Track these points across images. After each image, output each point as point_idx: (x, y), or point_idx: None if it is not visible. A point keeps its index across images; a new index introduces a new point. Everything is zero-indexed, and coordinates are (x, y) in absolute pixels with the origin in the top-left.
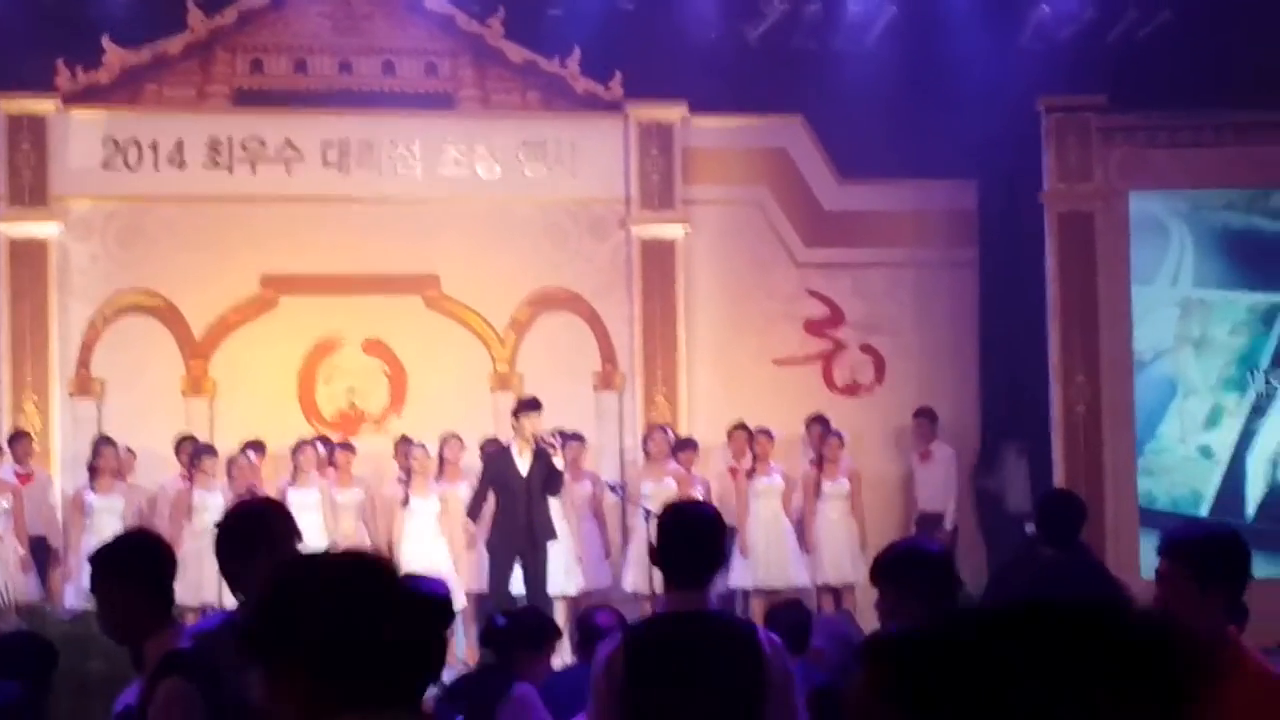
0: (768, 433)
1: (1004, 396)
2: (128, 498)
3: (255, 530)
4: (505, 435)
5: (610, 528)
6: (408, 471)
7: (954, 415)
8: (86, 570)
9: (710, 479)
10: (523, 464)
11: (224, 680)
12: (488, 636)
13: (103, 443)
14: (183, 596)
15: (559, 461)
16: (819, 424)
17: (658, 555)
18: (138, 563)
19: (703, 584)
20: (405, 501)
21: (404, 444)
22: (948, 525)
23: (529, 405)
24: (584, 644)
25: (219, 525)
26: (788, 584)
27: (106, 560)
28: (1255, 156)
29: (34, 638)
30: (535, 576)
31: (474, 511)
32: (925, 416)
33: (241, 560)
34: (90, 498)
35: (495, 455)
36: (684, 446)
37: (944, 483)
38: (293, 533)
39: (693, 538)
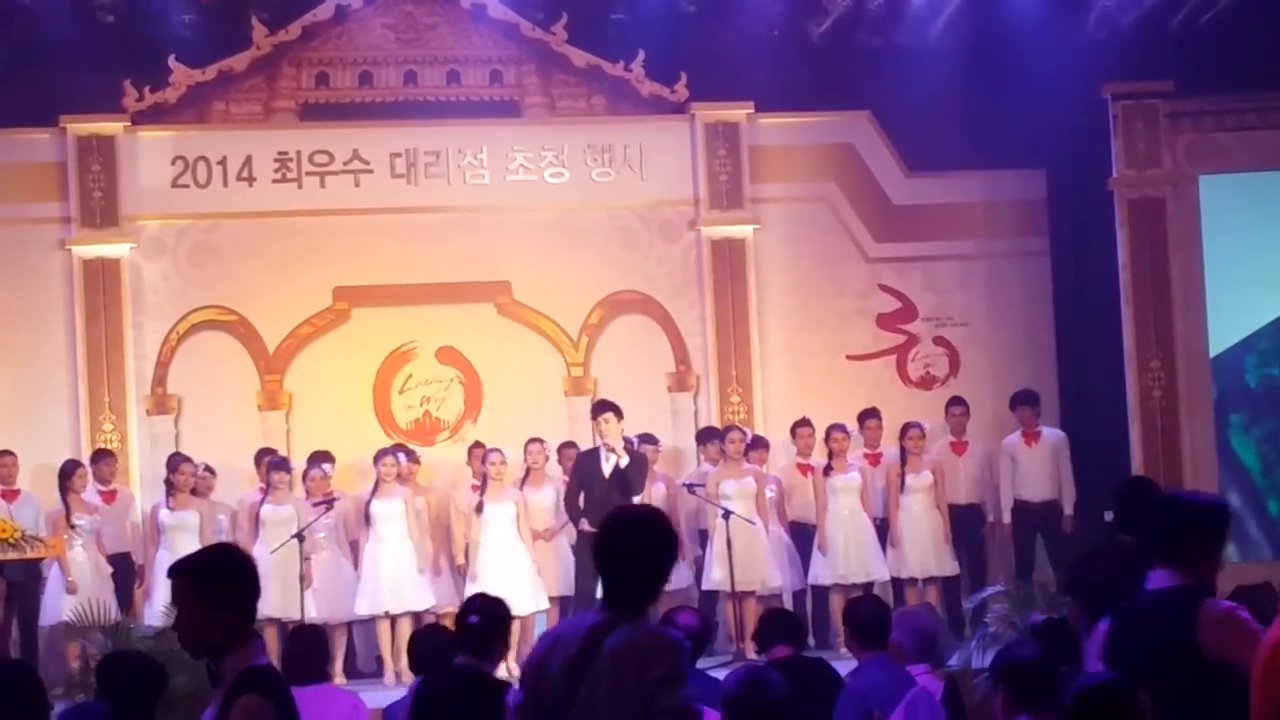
0: (843, 429)
1: (1079, 384)
2: (204, 514)
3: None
4: (580, 440)
5: (688, 528)
6: (482, 478)
7: None
8: (164, 586)
9: (778, 475)
10: (607, 467)
11: None
12: None
13: (179, 459)
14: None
15: (622, 462)
16: (872, 417)
17: None
18: (220, 578)
19: None
20: (479, 509)
21: (477, 449)
22: (1068, 511)
23: (606, 407)
24: None
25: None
26: (867, 578)
27: (187, 574)
28: None
29: (141, 659)
30: None
31: (572, 513)
32: (1028, 402)
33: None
34: (164, 515)
35: (584, 457)
36: (755, 445)
37: (1054, 470)
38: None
39: None
